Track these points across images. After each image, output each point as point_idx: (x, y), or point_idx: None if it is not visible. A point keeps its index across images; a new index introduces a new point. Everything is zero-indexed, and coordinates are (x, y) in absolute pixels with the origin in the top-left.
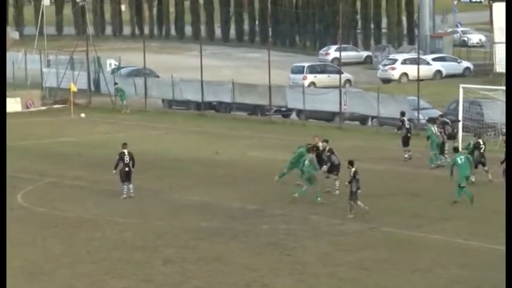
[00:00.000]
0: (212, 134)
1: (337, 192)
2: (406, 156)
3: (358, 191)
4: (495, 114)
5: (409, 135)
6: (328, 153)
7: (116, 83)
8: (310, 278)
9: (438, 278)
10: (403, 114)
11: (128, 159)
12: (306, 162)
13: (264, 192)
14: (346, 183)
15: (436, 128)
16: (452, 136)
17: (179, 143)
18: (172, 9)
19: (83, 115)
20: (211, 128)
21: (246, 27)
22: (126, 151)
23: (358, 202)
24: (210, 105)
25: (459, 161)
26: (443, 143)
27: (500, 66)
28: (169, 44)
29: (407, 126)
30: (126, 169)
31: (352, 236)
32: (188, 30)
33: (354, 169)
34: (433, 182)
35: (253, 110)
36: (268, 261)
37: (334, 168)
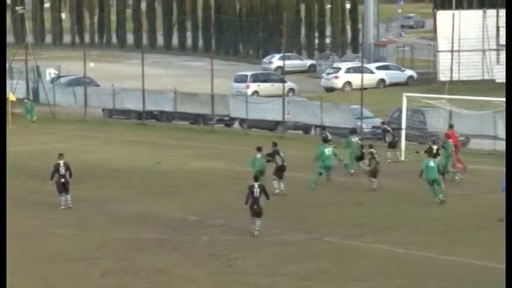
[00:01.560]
0: (153, 143)
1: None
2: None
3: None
4: (437, 123)
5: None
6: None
7: (27, 99)
8: None
9: (379, 287)
10: (383, 123)
11: (63, 170)
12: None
13: (205, 202)
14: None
15: (356, 139)
16: (393, 145)
17: (119, 153)
18: (113, 17)
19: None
20: (153, 137)
21: (189, 35)
22: (61, 162)
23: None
24: (151, 115)
25: (428, 164)
26: (362, 153)
27: (443, 75)
28: (111, 52)
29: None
30: (62, 180)
31: (293, 246)
32: (130, 38)
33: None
34: (374, 191)
35: (196, 119)
36: (209, 272)
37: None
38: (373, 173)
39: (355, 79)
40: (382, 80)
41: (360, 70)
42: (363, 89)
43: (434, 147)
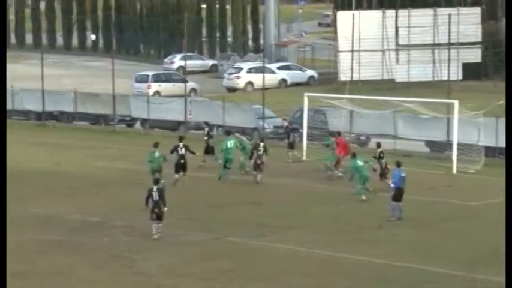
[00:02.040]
0: (53, 144)
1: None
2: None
3: None
4: (339, 122)
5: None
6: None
7: None
8: None
9: (282, 286)
10: (290, 123)
11: None
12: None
13: (106, 203)
14: None
15: (244, 138)
16: (292, 145)
17: (18, 154)
18: (12, 16)
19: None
20: (53, 138)
21: (89, 35)
22: None
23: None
24: (51, 115)
25: (358, 164)
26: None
27: (344, 75)
28: (9, 52)
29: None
30: None
31: (195, 246)
32: (29, 38)
33: None
34: (275, 190)
35: (97, 119)
36: (110, 274)
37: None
38: (256, 167)
39: (257, 79)
40: (284, 80)
41: (262, 70)
42: (264, 89)
43: (378, 149)
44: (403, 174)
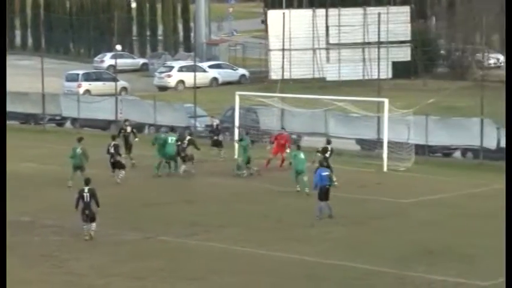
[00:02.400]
0: None
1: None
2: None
3: None
4: (270, 121)
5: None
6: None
7: None
8: None
9: (213, 285)
10: (221, 122)
11: None
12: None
13: (35, 203)
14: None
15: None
16: (218, 143)
17: None
18: None
19: None
20: None
21: (18, 33)
22: None
23: None
24: None
25: (298, 156)
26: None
27: (275, 73)
28: None
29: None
30: None
31: (127, 246)
32: None
33: None
34: (207, 189)
35: (26, 118)
36: (41, 274)
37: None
38: (182, 159)
39: (188, 78)
40: (215, 79)
41: (193, 69)
42: (196, 87)
43: (329, 146)
44: (323, 173)
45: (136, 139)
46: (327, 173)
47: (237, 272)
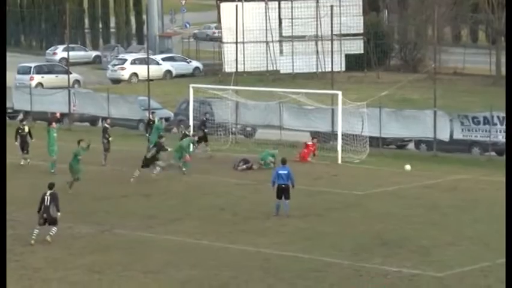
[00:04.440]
0: None
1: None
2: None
3: None
4: (225, 114)
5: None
6: None
7: None
8: (39, 283)
9: (170, 278)
10: (205, 114)
11: None
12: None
13: None
14: None
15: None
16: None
17: None
18: None
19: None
20: None
21: None
22: None
23: None
24: None
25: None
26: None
27: (229, 66)
28: None
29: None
30: None
31: (83, 239)
32: None
33: None
34: (163, 182)
35: None
36: None
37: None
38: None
39: (142, 70)
40: (169, 71)
41: (146, 61)
42: (149, 80)
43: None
44: (281, 172)
45: (33, 140)
46: (285, 172)
47: (194, 265)
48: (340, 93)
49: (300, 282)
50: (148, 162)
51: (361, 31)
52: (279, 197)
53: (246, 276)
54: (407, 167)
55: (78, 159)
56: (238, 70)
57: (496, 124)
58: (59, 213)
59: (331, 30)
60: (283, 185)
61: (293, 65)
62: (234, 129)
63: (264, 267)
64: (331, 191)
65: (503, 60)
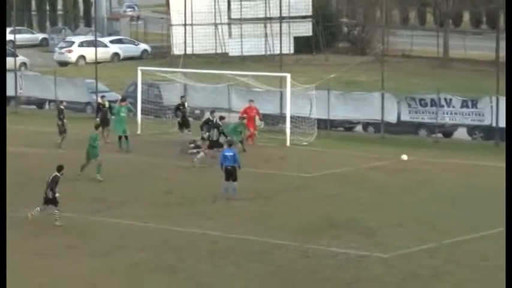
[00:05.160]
0: None
1: None
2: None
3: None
4: (174, 96)
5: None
6: None
7: None
8: None
9: (119, 261)
10: (181, 97)
11: None
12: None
13: None
14: None
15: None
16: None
17: None
18: None
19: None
20: None
21: None
22: None
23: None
24: None
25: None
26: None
27: (177, 49)
28: None
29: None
30: None
31: (31, 223)
32: None
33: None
34: (111, 165)
35: None
36: None
37: None
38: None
39: (89, 53)
40: (117, 54)
41: (94, 44)
42: (97, 63)
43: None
44: (227, 153)
45: None
46: (231, 153)
47: (142, 248)
48: (288, 75)
49: (247, 264)
50: (213, 144)
51: (310, 13)
52: (227, 179)
53: (193, 259)
54: (404, 156)
55: (95, 145)
56: (187, 53)
57: (443, 106)
58: (57, 195)
59: (280, 13)
60: (230, 167)
61: (242, 48)
62: (168, 112)
63: (212, 250)
64: (279, 173)
65: (450, 42)
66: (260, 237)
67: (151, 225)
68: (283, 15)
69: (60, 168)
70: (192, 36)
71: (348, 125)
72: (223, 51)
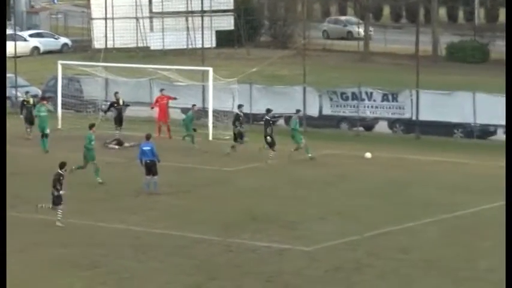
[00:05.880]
0: None
1: None
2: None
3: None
4: (94, 91)
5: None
6: None
7: None
8: None
9: (39, 257)
10: (116, 93)
11: None
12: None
13: None
14: None
15: None
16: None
17: None
18: None
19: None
20: None
21: None
22: None
23: None
24: None
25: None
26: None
27: (98, 43)
28: None
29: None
30: None
31: None
32: None
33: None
34: (29, 160)
35: None
36: None
37: None
38: None
39: (8, 47)
40: (36, 48)
41: (13, 38)
42: (16, 57)
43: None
44: (144, 148)
45: None
46: (148, 148)
47: (63, 244)
48: (211, 69)
49: (170, 259)
50: (237, 137)
51: (232, 7)
52: (147, 173)
53: (116, 254)
54: (368, 154)
55: (90, 147)
56: (108, 46)
57: (364, 100)
58: (61, 192)
59: (202, 6)
60: (149, 161)
61: (163, 41)
62: (103, 106)
63: (135, 245)
64: (201, 167)
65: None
66: (182, 231)
67: (73, 221)
68: (205, 9)
69: (62, 165)
70: (113, 30)
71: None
72: (145, 45)
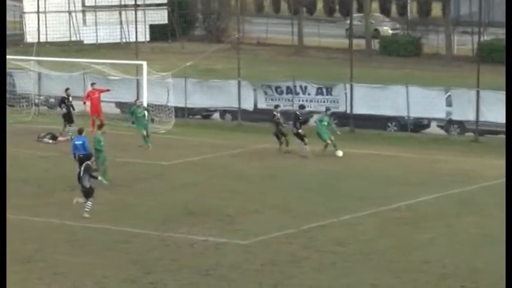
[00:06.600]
0: None
1: None
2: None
3: None
4: (27, 85)
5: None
6: None
7: None
8: None
9: None
10: (66, 89)
11: None
12: None
13: None
14: None
15: None
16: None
17: None
18: None
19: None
20: None
21: None
22: None
23: None
24: None
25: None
26: None
27: (31, 36)
28: None
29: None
30: None
31: None
32: None
33: None
34: None
35: None
36: None
37: None
38: None
39: None
40: None
41: None
42: None
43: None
44: (76, 142)
45: None
46: (80, 142)
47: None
48: (145, 63)
49: (107, 254)
50: (300, 137)
51: (165, 1)
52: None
53: (51, 249)
54: (339, 153)
55: (100, 148)
56: (41, 40)
57: (298, 93)
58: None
59: (135, 0)
60: (82, 156)
61: (97, 35)
62: (37, 100)
63: (70, 240)
64: (137, 161)
65: (304, 30)
66: (119, 226)
67: (9, 216)
68: (138, 2)
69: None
70: (46, 24)
71: (205, 113)
72: (78, 39)
